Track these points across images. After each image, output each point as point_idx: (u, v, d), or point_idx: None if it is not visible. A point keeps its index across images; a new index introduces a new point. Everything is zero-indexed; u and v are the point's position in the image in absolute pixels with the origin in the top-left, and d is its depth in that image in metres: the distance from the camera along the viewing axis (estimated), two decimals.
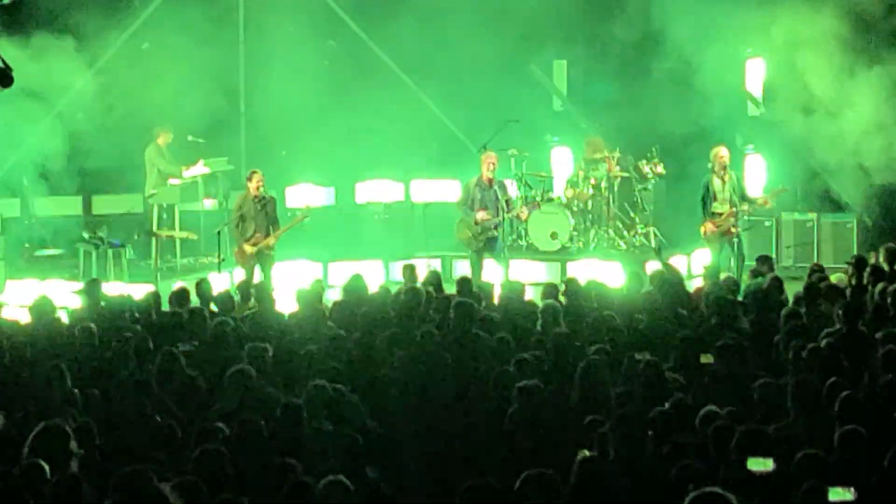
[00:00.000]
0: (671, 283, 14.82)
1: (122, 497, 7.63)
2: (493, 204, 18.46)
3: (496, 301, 14.78)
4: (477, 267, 18.53)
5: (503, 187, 18.79)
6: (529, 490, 7.71)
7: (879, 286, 13.88)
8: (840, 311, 12.51)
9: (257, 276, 18.01)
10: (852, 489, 7.72)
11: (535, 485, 7.74)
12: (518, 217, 19.53)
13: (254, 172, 18.36)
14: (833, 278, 15.25)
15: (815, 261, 19.60)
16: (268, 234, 18.28)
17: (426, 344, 11.90)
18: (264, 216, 18.27)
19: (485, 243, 18.53)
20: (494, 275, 18.01)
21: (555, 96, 24.24)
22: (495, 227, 18.46)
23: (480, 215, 18.41)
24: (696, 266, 20.39)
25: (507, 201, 18.66)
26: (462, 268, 20.14)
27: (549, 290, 14.71)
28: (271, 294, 15.04)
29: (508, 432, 9.79)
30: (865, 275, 14.85)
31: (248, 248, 18.16)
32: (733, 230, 18.65)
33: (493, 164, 18.68)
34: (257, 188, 18.20)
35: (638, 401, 9.96)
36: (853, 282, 15.00)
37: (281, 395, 10.63)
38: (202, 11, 22.12)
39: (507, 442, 9.75)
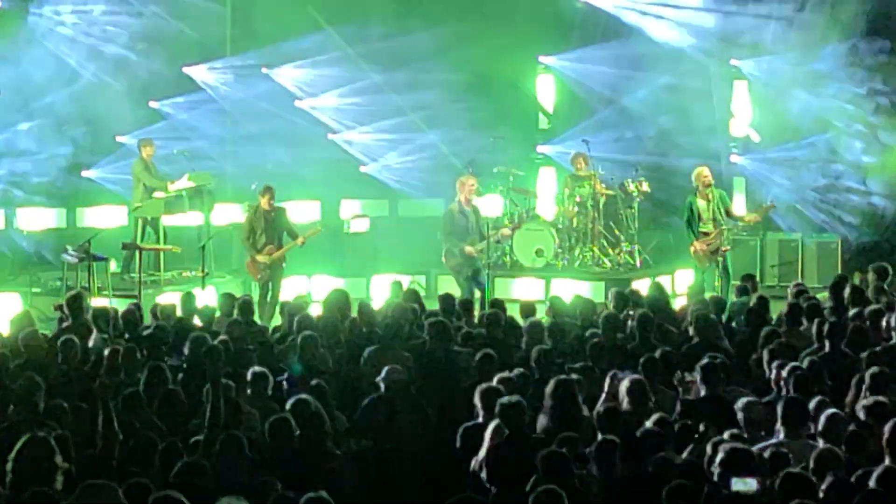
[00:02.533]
0: (654, 301, 14.82)
1: None
2: (475, 230, 18.31)
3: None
4: (467, 290, 18.39)
5: (478, 211, 18.62)
6: None
7: (854, 310, 13.91)
8: (818, 330, 12.52)
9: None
10: None
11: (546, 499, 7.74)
12: (501, 237, 19.33)
13: (267, 188, 18.46)
14: (821, 298, 15.29)
15: (800, 280, 19.64)
16: (280, 246, 18.39)
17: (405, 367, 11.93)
18: (275, 227, 18.39)
19: (472, 271, 18.41)
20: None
21: (541, 113, 24.27)
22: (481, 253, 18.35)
23: (469, 250, 18.22)
24: (679, 285, 20.41)
25: (487, 224, 18.48)
26: (446, 284, 20.13)
27: (527, 309, 14.70)
28: (253, 307, 15.05)
29: (491, 448, 9.76)
30: (846, 295, 14.88)
31: (262, 259, 18.30)
32: (722, 249, 18.65)
33: (473, 186, 18.49)
34: (269, 203, 18.33)
35: (621, 419, 9.94)
36: (832, 303, 15.02)
37: (258, 411, 10.63)
38: (189, 24, 22.11)
39: (490, 458, 9.71)
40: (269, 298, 18.29)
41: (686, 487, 8.28)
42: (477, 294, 18.08)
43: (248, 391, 11.17)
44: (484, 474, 9.50)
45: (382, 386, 11.09)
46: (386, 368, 11.26)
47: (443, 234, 18.60)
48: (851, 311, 13.91)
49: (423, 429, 10.73)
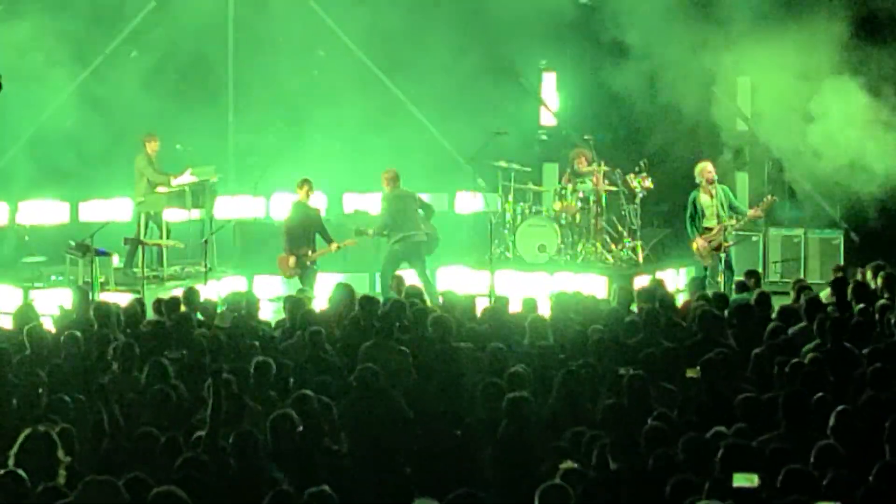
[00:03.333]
0: (659, 297, 14.82)
1: None
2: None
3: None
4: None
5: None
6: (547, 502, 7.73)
7: (861, 305, 13.92)
8: (820, 326, 12.52)
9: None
10: None
11: (551, 496, 7.75)
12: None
13: (305, 181, 18.38)
14: (823, 294, 15.29)
15: (802, 276, 19.66)
16: (313, 249, 18.20)
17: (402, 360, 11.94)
18: (311, 227, 18.27)
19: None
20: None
21: (544, 109, 24.26)
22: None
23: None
24: (682, 280, 20.41)
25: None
26: (445, 278, 20.20)
27: (530, 304, 14.71)
28: (256, 304, 15.04)
29: (496, 443, 9.77)
30: (849, 291, 14.87)
31: (291, 260, 18.16)
32: (725, 244, 18.66)
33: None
34: (307, 195, 18.24)
35: (623, 415, 9.96)
36: (833, 298, 15.02)
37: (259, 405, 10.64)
38: (191, 20, 22.10)
39: (494, 453, 9.72)
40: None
41: (687, 483, 8.30)
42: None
43: (252, 384, 11.17)
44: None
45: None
46: (358, 367, 11.26)
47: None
48: (857, 307, 13.92)
49: (401, 424, 10.68)
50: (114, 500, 7.66)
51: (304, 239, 18.29)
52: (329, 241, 18.41)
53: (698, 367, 11.31)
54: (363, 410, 10.65)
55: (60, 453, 8.45)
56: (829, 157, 20.94)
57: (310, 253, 18.32)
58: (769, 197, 19.87)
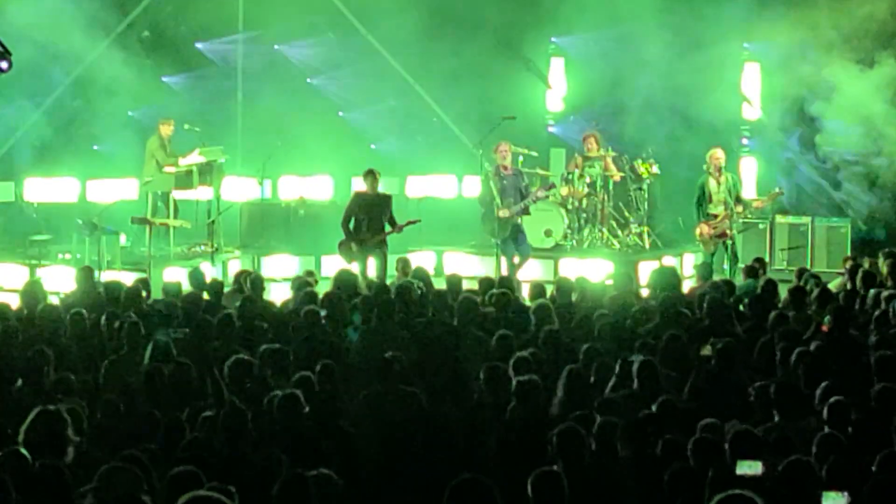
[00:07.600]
0: (666, 283, 14.82)
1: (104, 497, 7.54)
2: (514, 191, 18.63)
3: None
4: (502, 259, 18.73)
5: (521, 174, 19.12)
6: (540, 488, 7.71)
7: (872, 291, 13.92)
8: (831, 315, 12.54)
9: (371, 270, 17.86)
10: (845, 493, 7.71)
11: (544, 482, 7.74)
12: (534, 199, 19.27)
13: (370, 171, 18.21)
14: (833, 284, 15.29)
15: (809, 265, 19.67)
16: (378, 232, 18.03)
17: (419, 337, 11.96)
18: (377, 213, 17.98)
19: (510, 232, 18.63)
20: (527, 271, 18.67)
21: (552, 94, 24.22)
22: (519, 216, 18.72)
23: (503, 213, 18.54)
24: (688, 267, 20.40)
25: (525, 187, 18.99)
26: (452, 262, 20.20)
27: (537, 290, 14.71)
28: (262, 283, 15.05)
29: (503, 427, 9.78)
30: (858, 280, 14.88)
31: (354, 245, 17.96)
32: (728, 232, 18.68)
33: (506, 151, 18.85)
34: (373, 186, 18.07)
35: (631, 401, 9.96)
36: (848, 286, 15.03)
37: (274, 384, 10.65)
38: (201, 1, 22.12)
39: (500, 438, 9.73)
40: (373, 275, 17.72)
41: (691, 469, 8.30)
42: (515, 260, 18.65)
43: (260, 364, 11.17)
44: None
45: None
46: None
47: (480, 200, 19.24)
48: (864, 295, 13.93)
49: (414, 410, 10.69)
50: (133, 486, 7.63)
51: (367, 226, 17.93)
52: (394, 224, 18.06)
53: (710, 346, 11.32)
54: (377, 396, 10.66)
55: (70, 432, 8.45)
56: (839, 143, 20.95)
57: (369, 240, 17.94)
58: (776, 189, 19.87)
